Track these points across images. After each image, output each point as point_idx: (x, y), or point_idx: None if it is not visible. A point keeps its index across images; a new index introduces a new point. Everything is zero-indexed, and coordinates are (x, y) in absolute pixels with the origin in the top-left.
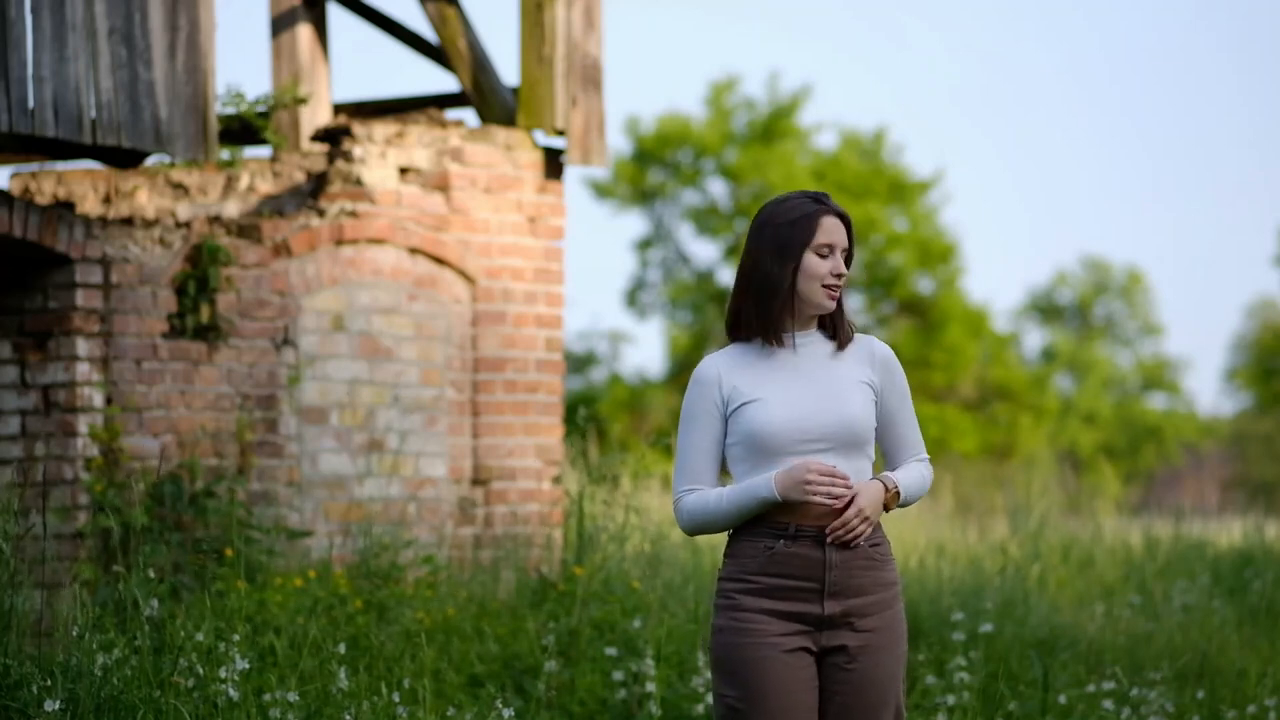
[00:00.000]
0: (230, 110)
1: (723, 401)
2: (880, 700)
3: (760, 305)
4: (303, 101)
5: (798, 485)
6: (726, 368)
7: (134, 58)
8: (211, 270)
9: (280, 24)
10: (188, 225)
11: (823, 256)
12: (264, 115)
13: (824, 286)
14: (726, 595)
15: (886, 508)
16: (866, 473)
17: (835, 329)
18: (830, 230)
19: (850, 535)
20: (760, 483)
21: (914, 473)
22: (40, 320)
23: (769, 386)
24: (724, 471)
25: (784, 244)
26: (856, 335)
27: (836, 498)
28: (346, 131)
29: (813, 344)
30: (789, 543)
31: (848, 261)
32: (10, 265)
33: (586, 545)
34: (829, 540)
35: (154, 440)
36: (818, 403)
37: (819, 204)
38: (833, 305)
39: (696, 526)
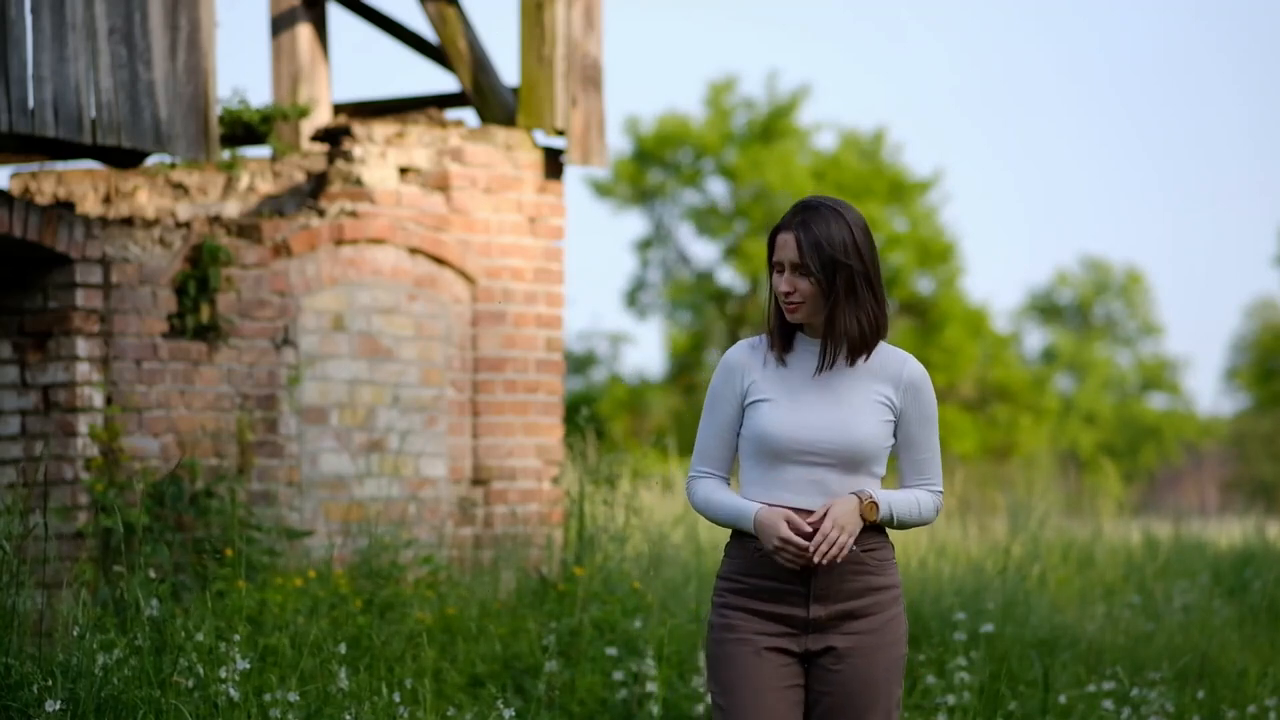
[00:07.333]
0: (235, 115)
1: (741, 392)
2: (869, 703)
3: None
4: (305, 114)
5: (769, 540)
6: (753, 359)
7: (134, 58)
8: (211, 270)
9: (280, 24)
10: (188, 225)
11: (778, 273)
12: (266, 121)
13: (783, 303)
14: (718, 593)
15: (865, 518)
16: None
17: (825, 343)
18: (779, 248)
19: (832, 548)
20: (747, 511)
21: (910, 494)
22: (40, 320)
23: (785, 389)
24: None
25: None
26: (892, 351)
27: (798, 567)
28: (346, 131)
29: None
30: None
31: (827, 274)
32: (10, 265)
33: (586, 545)
34: (815, 562)
35: (154, 440)
36: (825, 417)
37: (782, 220)
38: (794, 319)
39: (700, 513)
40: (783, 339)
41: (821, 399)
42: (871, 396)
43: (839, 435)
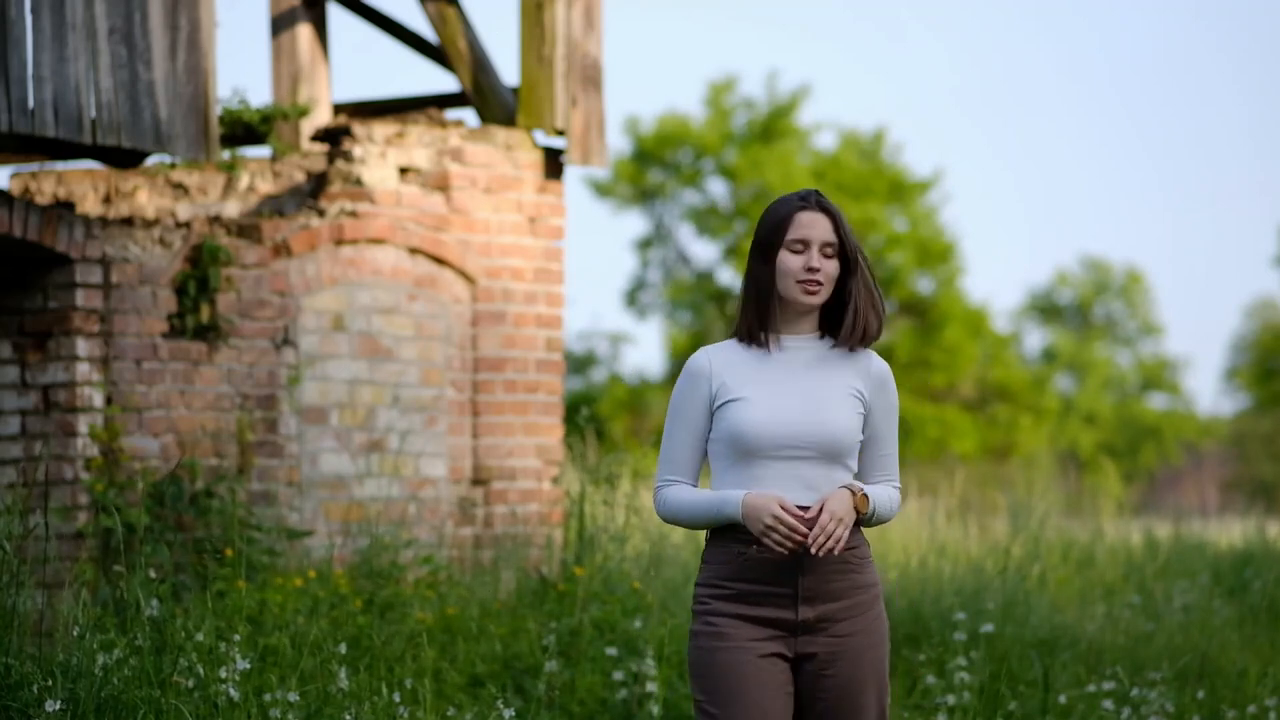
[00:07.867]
0: (235, 115)
1: (710, 396)
2: (864, 703)
3: (748, 306)
4: (305, 114)
5: (759, 520)
6: (719, 362)
7: (134, 58)
8: (211, 270)
9: (280, 24)
10: (188, 225)
11: (796, 253)
12: (266, 121)
13: (798, 283)
14: (701, 601)
15: (858, 512)
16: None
17: (836, 327)
18: (804, 225)
19: (831, 541)
20: (731, 501)
21: (883, 490)
22: (40, 320)
23: (756, 386)
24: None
25: (765, 244)
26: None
27: (786, 550)
28: (346, 131)
29: (807, 347)
30: (761, 549)
31: (847, 259)
32: (10, 265)
33: (587, 545)
34: (814, 553)
35: (154, 440)
36: (802, 410)
37: (799, 201)
38: (811, 301)
39: (671, 520)
40: (769, 324)
41: (796, 392)
42: (844, 389)
43: (817, 427)
